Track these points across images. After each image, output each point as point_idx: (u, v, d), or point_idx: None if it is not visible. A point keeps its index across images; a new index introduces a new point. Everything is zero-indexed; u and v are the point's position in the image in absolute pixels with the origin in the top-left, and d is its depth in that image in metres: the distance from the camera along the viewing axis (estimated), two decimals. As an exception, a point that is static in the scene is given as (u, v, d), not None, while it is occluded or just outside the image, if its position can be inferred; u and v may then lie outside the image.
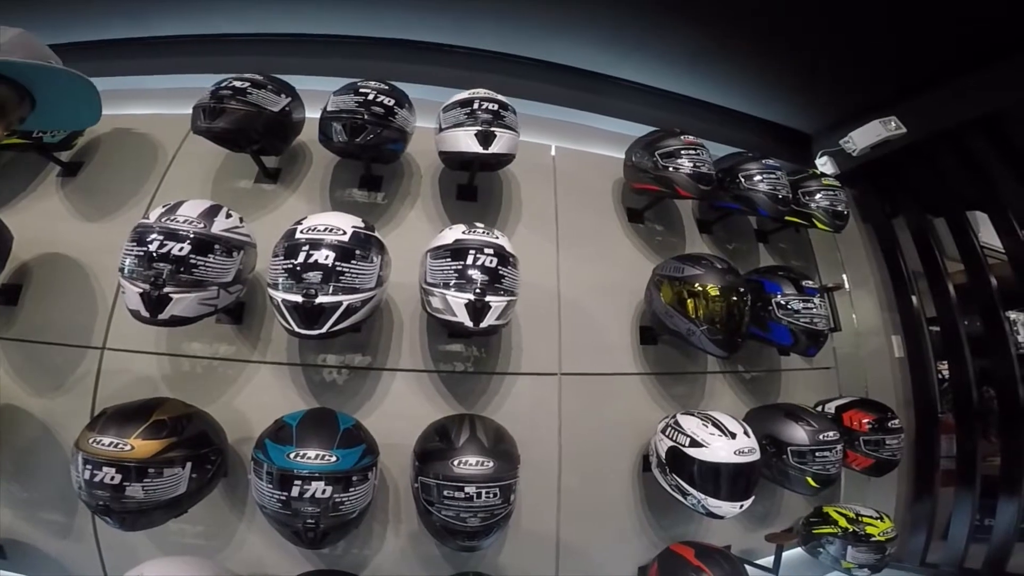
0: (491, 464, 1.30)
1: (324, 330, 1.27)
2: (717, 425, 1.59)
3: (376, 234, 1.44)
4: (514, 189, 2.09)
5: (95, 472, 1.16)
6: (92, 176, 1.95)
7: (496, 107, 1.68)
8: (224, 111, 1.52)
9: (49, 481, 1.64)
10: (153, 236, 1.26)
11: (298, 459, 1.20)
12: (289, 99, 1.70)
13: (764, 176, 2.03)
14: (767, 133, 2.88)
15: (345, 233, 1.32)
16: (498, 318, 1.36)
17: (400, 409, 1.69)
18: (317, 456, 1.21)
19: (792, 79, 2.55)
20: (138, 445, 1.19)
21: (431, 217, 1.95)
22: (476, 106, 1.67)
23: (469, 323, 1.33)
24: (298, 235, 1.31)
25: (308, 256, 1.26)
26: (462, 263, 1.37)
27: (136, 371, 1.70)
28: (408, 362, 1.74)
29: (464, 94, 1.73)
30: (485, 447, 1.34)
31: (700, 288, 1.64)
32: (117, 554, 1.61)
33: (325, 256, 1.27)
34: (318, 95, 1.78)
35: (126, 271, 1.27)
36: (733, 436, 1.56)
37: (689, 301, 1.65)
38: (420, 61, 2.37)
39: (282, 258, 1.29)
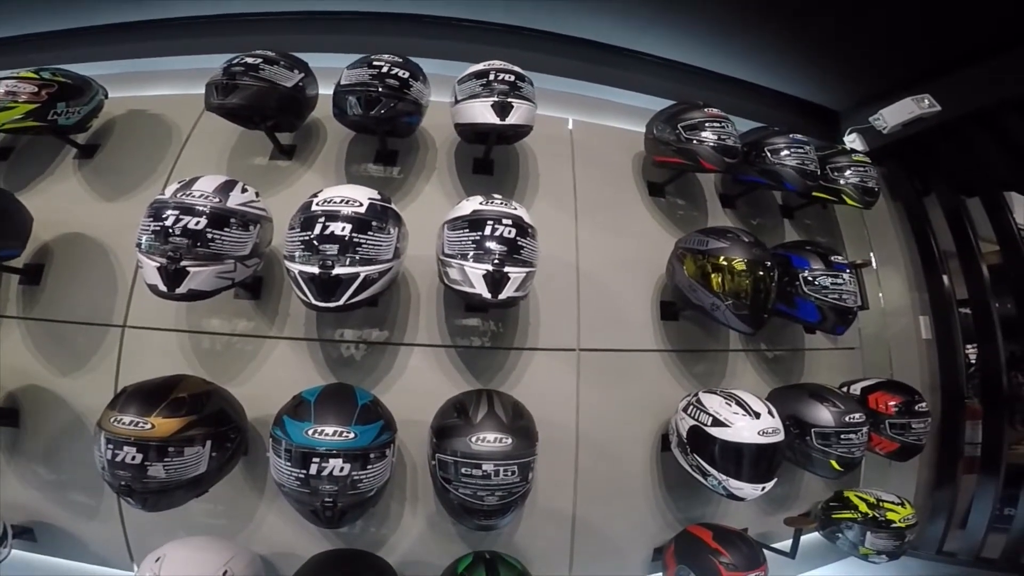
0: (509, 441, 1.28)
1: (341, 302, 1.26)
2: (741, 404, 1.54)
3: (392, 206, 1.41)
4: (531, 163, 2.05)
5: (116, 452, 1.16)
6: (108, 157, 1.95)
7: (512, 78, 1.63)
8: (237, 87, 1.50)
9: (75, 462, 1.66)
10: (169, 211, 1.25)
11: (316, 436, 1.19)
12: (302, 75, 1.67)
13: (792, 150, 1.95)
14: (793, 109, 2.78)
15: (361, 204, 1.30)
16: (516, 290, 1.32)
17: (417, 384, 1.68)
18: (335, 432, 1.20)
19: (820, 54, 2.45)
20: (159, 424, 1.19)
21: (447, 191, 1.91)
22: (492, 77, 1.62)
23: (487, 294, 1.30)
24: (314, 207, 1.29)
25: (324, 228, 1.24)
26: (480, 234, 1.33)
27: (157, 348, 1.71)
28: (425, 337, 1.73)
29: (479, 66, 1.68)
30: (504, 423, 1.32)
31: (726, 262, 1.59)
32: (142, 534, 1.65)
33: (342, 227, 1.24)
34: (331, 72, 1.75)
35: (143, 246, 1.26)
36: (757, 416, 1.51)
37: (714, 275, 1.60)
38: (433, 36, 2.33)
39: (298, 230, 1.27)
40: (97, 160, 1.95)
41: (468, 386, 1.68)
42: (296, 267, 1.26)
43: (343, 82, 1.59)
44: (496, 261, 1.30)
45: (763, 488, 1.49)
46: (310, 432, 1.20)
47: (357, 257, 1.25)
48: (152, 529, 1.59)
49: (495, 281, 1.30)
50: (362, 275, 1.26)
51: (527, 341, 1.78)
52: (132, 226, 1.34)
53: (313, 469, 1.18)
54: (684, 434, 1.61)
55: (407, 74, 1.60)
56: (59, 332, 1.76)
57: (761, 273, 1.59)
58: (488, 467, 1.25)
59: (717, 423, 1.52)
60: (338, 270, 1.23)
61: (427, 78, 1.73)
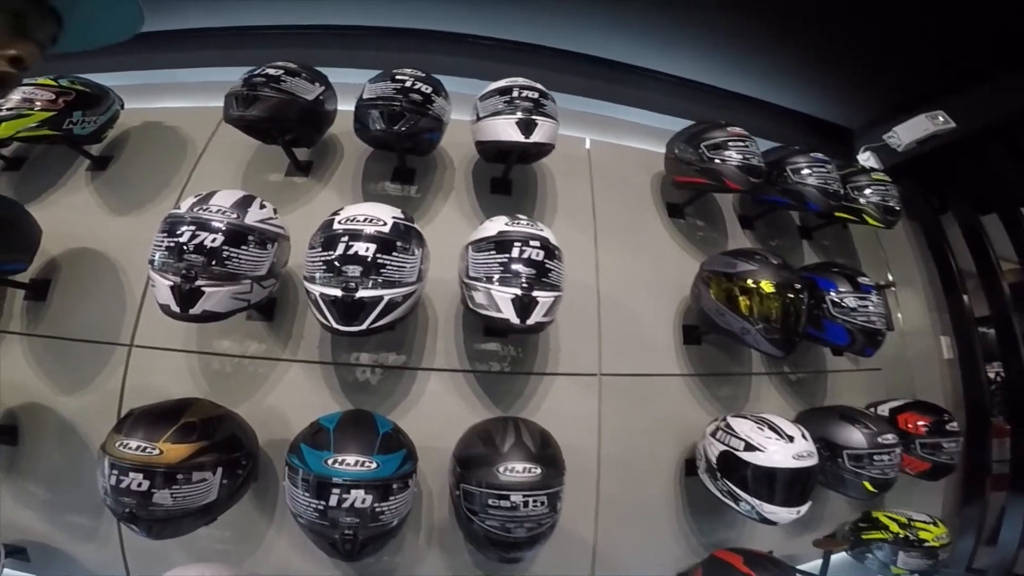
0: (538, 471, 1.22)
1: (364, 327, 1.21)
2: (773, 428, 1.49)
3: (416, 226, 1.37)
4: (549, 183, 2.01)
5: (122, 478, 1.10)
6: (121, 170, 1.91)
7: (536, 95, 1.61)
8: (258, 99, 1.47)
9: (74, 483, 1.59)
10: (185, 227, 1.21)
11: (336, 465, 1.13)
12: (323, 88, 1.64)
13: (814, 169, 1.93)
14: (806, 127, 2.77)
15: (386, 224, 1.26)
16: (545, 315, 1.28)
17: (435, 410, 1.62)
18: (357, 462, 1.14)
19: (833, 72, 2.44)
20: (167, 449, 1.13)
21: (465, 211, 1.88)
22: (515, 94, 1.60)
23: (516, 319, 1.25)
24: (336, 226, 1.24)
25: (348, 248, 1.19)
26: (507, 256, 1.29)
27: (165, 369, 1.65)
28: (443, 361, 1.67)
29: (502, 82, 1.66)
30: (532, 453, 1.26)
31: (754, 284, 1.55)
32: (142, 559, 1.56)
33: (365, 248, 1.20)
34: (348, 88, 1.73)
35: (156, 264, 1.21)
36: (791, 440, 1.46)
37: (742, 298, 1.56)
38: (450, 52, 2.31)
39: (319, 250, 1.23)
40: (110, 172, 1.91)
41: (487, 412, 1.63)
42: (317, 289, 1.21)
43: (365, 96, 1.56)
44: (524, 285, 1.26)
45: (798, 512, 1.44)
46: (330, 462, 1.14)
47: (380, 280, 1.21)
48: (153, 553, 1.50)
49: (523, 306, 1.25)
50: (386, 299, 1.21)
51: (547, 366, 1.73)
52: (143, 242, 1.30)
53: (333, 500, 1.12)
54: (714, 459, 1.55)
55: (430, 89, 1.57)
56: (63, 349, 1.70)
57: (791, 296, 1.55)
58: (517, 498, 1.18)
59: (750, 448, 1.46)
60: (361, 293, 1.18)
61: (448, 95, 1.70)
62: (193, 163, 1.89)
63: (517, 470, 1.22)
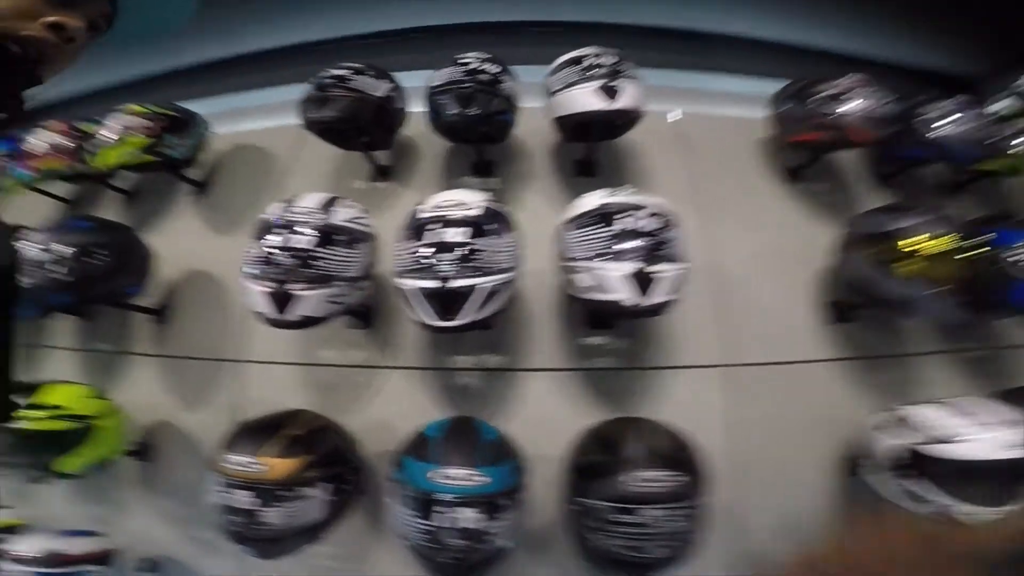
0: (673, 478, 1.04)
1: (464, 320, 1.10)
2: (970, 414, 1.18)
3: (505, 210, 1.26)
4: (637, 161, 1.83)
5: (228, 495, 1.08)
6: (219, 192, 2.01)
7: (613, 59, 1.45)
8: (329, 100, 1.47)
9: (198, 498, 1.62)
10: (273, 231, 1.18)
11: (442, 480, 1.03)
12: (390, 84, 1.63)
13: (956, 117, 1.57)
14: (924, 82, 2.34)
15: (473, 208, 1.15)
16: (669, 291, 1.09)
17: (540, 414, 1.48)
18: (463, 476, 1.03)
19: (948, 20, 2.11)
20: (273, 464, 1.09)
21: (550, 198, 1.74)
22: (590, 61, 1.45)
23: (635, 299, 1.08)
24: (423, 214, 1.16)
25: (437, 236, 1.10)
26: (615, 228, 1.13)
27: (274, 382, 1.68)
28: (546, 360, 1.53)
29: (571, 53, 1.52)
30: (664, 457, 1.08)
31: (920, 242, 1.25)
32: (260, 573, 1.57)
33: (455, 234, 1.10)
34: (419, 91, 1.67)
35: (249, 271, 1.19)
36: (996, 427, 1.14)
37: (906, 260, 1.26)
38: (518, 43, 2.21)
39: (408, 242, 1.15)
40: (210, 195, 2.01)
41: (597, 414, 1.45)
42: (409, 283, 1.12)
43: (434, 83, 1.51)
44: (641, 258, 1.08)
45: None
46: (434, 476, 1.03)
47: (475, 266, 1.10)
48: (270, 569, 1.50)
49: (642, 281, 1.07)
50: (482, 287, 1.10)
51: (661, 359, 1.53)
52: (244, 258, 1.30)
53: (438, 519, 1.01)
54: (891, 455, 1.26)
55: (497, 68, 1.50)
56: (184, 368, 1.79)
57: (969, 251, 1.23)
58: (650, 512, 1.01)
59: (942, 439, 1.16)
60: (457, 282, 1.08)
61: (515, 76, 1.61)
62: (282, 179, 1.94)
63: (649, 479, 1.04)
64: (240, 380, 1.71)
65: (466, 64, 1.48)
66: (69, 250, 1.47)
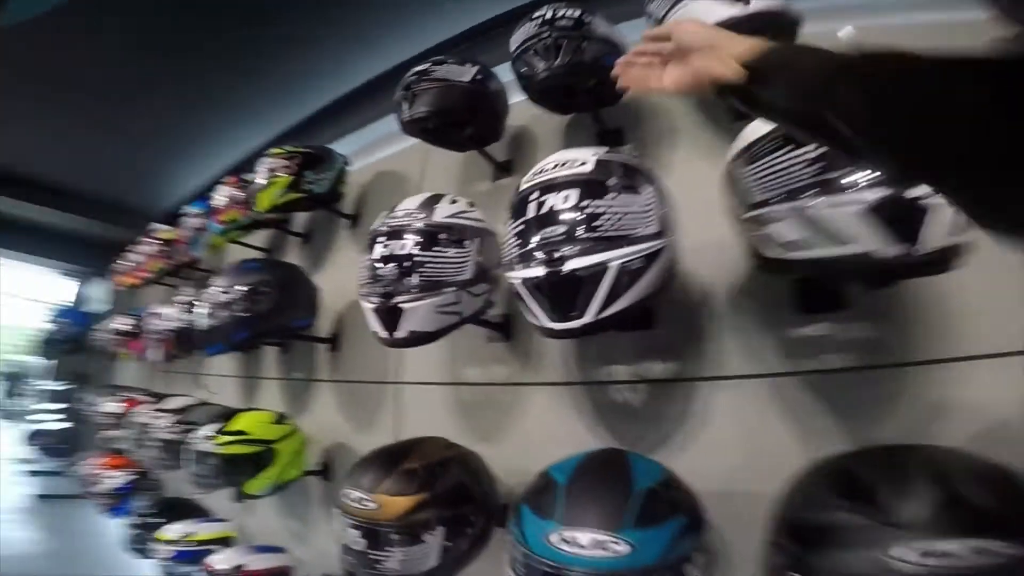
0: (981, 547, 0.54)
1: (590, 318, 0.79)
2: None
3: (637, 161, 0.91)
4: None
5: (345, 532, 0.96)
6: (365, 221, 2.07)
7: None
8: (417, 95, 1.37)
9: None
10: (377, 241, 1.07)
11: (564, 546, 0.72)
12: (476, 68, 1.46)
13: None
14: None
15: (585, 163, 0.84)
16: (950, 231, 0.60)
17: (733, 438, 1.04)
18: (595, 543, 0.70)
19: None
20: (385, 502, 0.94)
21: (705, 150, 1.28)
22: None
23: (891, 248, 0.61)
24: (524, 185, 0.89)
25: (540, 206, 0.81)
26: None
27: (424, 403, 1.61)
28: (737, 363, 1.08)
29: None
30: (959, 510, 0.59)
31: None
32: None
33: (564, 199, 0.80)
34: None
35: (360, 289, 1.09)
36: None
37: None
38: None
39: (511, 223, 0.89)
40: (362, 226, 2.08)
41: (823, 435, 0.95)
42: (518, 275, 0.86)
43: (513, 47, 1.26)
44: (880, 183, 0.61)
45: None
46: (555, 538, 0.73)
47: (599, 237, 0.78)
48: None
49: (900, 216, 0.60)
50: (611, 265, 0.77)
51: (934, 348, 0.95)
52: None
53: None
54: None
55: (577, 11, 1.18)
56: (353, 392, 1.86)
57: None
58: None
59: None
60: (573, 263, 0.78)
61: (601, 16, 1.24)
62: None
63: (933, 552, 0.56)
64: (398, 402, 1.69)
65: (540, 16, 1.20)
66: (241, 291, 1.62)
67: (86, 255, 5.53)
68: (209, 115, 3.01)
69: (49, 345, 4.27)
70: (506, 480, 1.23)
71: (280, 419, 1.71)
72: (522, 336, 1.41)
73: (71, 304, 6.03)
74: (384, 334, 1.05)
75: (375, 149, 2.28)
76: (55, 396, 5.34)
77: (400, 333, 1.03)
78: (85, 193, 4.54)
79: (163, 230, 3.10)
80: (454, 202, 1.13)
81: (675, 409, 1.12)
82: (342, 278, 1.99)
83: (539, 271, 0.79)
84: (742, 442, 1.03)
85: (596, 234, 0.78)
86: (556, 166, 0.85)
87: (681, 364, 1.14)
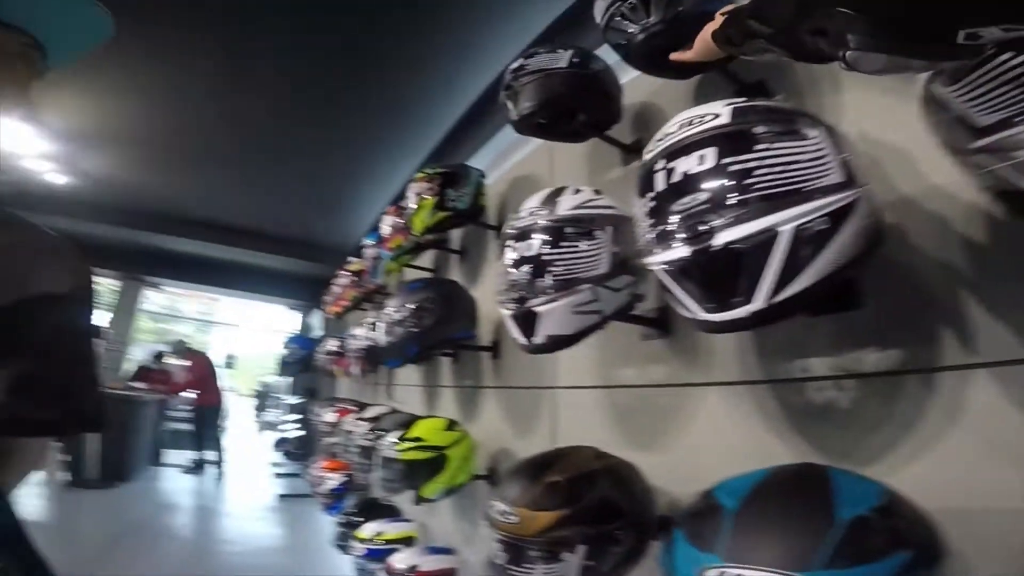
0: None
1: (762, 303, 0.61)
2: None
3: (787, 105, 0.70)
4: None
5: (490, 546, 0.93)
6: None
7: None
8: (518, 92, 1.34)
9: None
10: (507, 244, 1.04)
11: None
12: (570, 51, 1.38)
13: None
14: None
15: (718, 115, 0.67)
16: None
17: (985, 441, 0.73)
18: None
19: None
20: (525, 517, 0.88)
21: (881, 85, 0.93)
22: None
23: None
24: (647, 155, 0.75)
25: (670, 174, 0.67)
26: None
27: (583, 407, 1.53)
28: (994, 344, 0.75)
29: None
30: None
31: None
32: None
33: (700, 159, 0.64)
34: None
35: (498, 297, 1.06)
36: None
37: None
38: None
39: (639, 202, 0.76)
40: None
41: None
42: (657, 260, 0.72)
43: (599, 19, 1.11)
44: None
45: None
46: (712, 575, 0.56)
47: (756, 196, 0.61)
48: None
49: None
50: (786, 230, 0.59)
51: None
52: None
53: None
54: None
55: None
56: (515, 398, 1.88)
57: None
58: None
59: None
60: (727, 235, 0.61)
61: None
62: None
63: None
64: (554, 407, 1.65)
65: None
66: (409, 310, 1.76)
67: (305, 291, 6.85)
68: (370, 158, 3.46)
69: (285, 366, 5.30)
70: (669, 491, 1.09)
71: (451, 426, 1.81)
72: (684, 330, 1.22)
73: (298, 332, 7.50)
74: (523, 340, 1.00)
75: (505, 157, 2.32)
76: (292, 408, 6.65)
77: (538, 338, 0.97)
78: (296, 240, 5.62)
79: (353, 263, 3.62)
80: (577, 192, 1.04)
81: (901, 409, 0.84)
82: (495, 287, 2.04)
83: (682, 251, 0.65)
84: (1004, 446, 0.72)
85: (752, 194, 0.60)
86: (681, 126, 0.69)
87: (906, 351, 0.85)
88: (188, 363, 6.60)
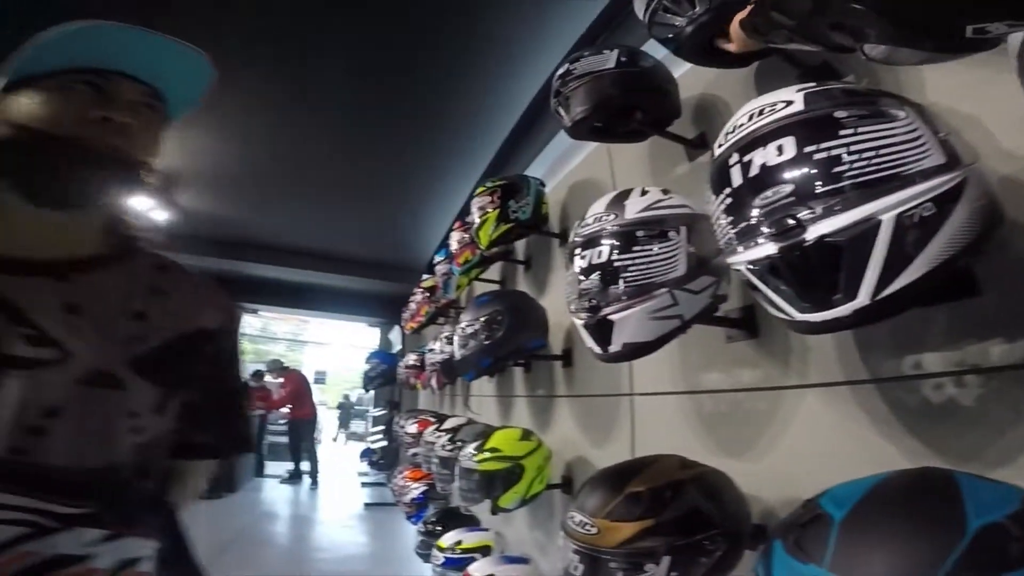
0: None
1: (867, 298, 0.56)
2: None
3: (866, 86, 0.66)
4: None
5: (566, 557, 0.91)
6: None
7: None
8: (569, 98, 1.33)
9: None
10: (575, 253, 1.03)
11: None
12: (616, 51, 1.35)
13: None
14: None
15: (791, 102, 0.63)
16: None
17: None
18: None
19: None
20: (605, 528, 0.86)
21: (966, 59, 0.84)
22: None
23: None
24: (718, 151, 0.72)
25: (746, 168, 0.63)
26: None
27: (663, 414, 1.48)
28: None
29: None
30: None
31: None
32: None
33: (778, 150, 0.60)
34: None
35: (570, 307, 1.06)
36: None
37: None
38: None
39: (714, 200, 0.73)
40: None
41: None
42: (740, 259, 0.68)
43: (642, 15, 1.09)
44: None
45: None
46: None
47: (849, 184, 0.56)
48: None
49: None
50: (888, 218, 0.55)
51: None
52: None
53: None
54: None
55: None
56: (589, 406, 1.86)
57: None
58: None
59: None
60: (820, 227, 0.57)
61: None
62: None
63: None
64: (633, 415, 1.61)
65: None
66: (480, 322, 1.81)
67: (384, 308, 7.21)
68: (432, 177, 3.62)
69: (368, 380, 5.59)
70: (762, 499, 1.03)
71: (526, 435, 1.83)
72: (773, 330, 1.15)
73: (379, 347, 7.88)
74: (598, 350, 0.99)
75: (562, 164, 2.34)
76: (376, 420, 6.98)
77: (614, 347, 0.95)
78: (374, 261, 5.96)
79: (426, 279, 3.77)
80: (645, 193, 1.01)
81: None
82: (563, 296, 2.04)
83: (769, 248, 0.61)
84: None
85: (843, 183, 0.56)
86: (751, 117, 0.66)
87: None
88: (283, 380, 7.15)
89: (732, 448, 1.20)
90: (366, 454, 6.39)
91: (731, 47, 0.90)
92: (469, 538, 2.33)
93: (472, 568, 1.88)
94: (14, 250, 0.65)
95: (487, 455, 1.68)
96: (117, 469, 0.66)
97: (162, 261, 0.80)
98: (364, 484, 6.60)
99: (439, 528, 2.65)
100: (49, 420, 0.60)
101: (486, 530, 2.46)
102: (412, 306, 4.14)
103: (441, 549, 2.30)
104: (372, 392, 7.14)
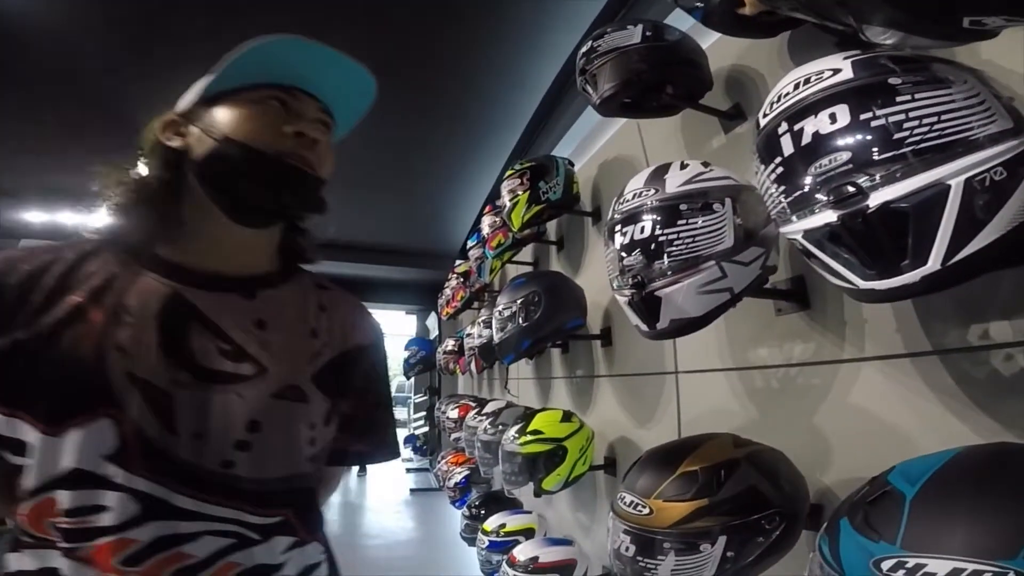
0: None
1: (937, 264, 0.54)
2: None
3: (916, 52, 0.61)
4: None
5: (615, 538, 0.90)
6: (607, 213, 2.05)
7: None
8: (596, 75, 1.30)
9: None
10: (615, 230, 1.01)
11: None
12: (640, 25, 1.32)
13: None
14: None
15: (839, 70, 0.61)
16: None
17: None
18: (958, 573, 0.44)
19: None
20: (658, 508, 0.85)
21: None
22: None
23: None
24: (764, 121, 0.69)
25: (798, 137, 0.61)
26: None
27: (710, 392, 1.46)
28: None
29: None
30: None
31: None
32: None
33: (831, 118, 0.58)
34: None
35: (612, 284, 1.04)
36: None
37: None
38: None
39: (763, 170, 0.70)
40: (603, 219, 2.08)
41: None
42: (796, 228, 0.65)
43: None
44: None
45: None
46: (888, 565, 0.49)
47: (912, 149, 0.54)
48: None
49: None
50: (956, 182, 0.53)
51: None
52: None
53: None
54: None
55: None
56: (631, 385, 1.85)
57: None
58: None
59: None
60: (884, 194, 0.55)
61: None
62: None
63: None
64: (680, 393, 1.59)
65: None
66: (517, 305, 1.81)
67: (419, 296, 7.33)
68: (461, 164, 3.62)
69: (408, 367, 5.71)
70: (819, 479, 1.01)
71: (567, 417, 1.83)
72: (826, 301, 1.11)
73: (416, 334, 8.03)
74: (645, 327, 0.98)
75: (590, 142, 2.30)
76: (417, 406, 7.14)
77: (662, 323, 0.94)
78: (408, 250, 6.05)
79: (460, 265, 3.80)
80: (684, 167, 0.98)
81: None
82: (600, 274, 2.01)
83: (828, 216, 0.59)
84: None
85: (905, 148, 0.54)
86: (797, 86, 0.63)
87: None
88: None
89: (786, 425, 1.17)
90: (410, 440, 6.54)
91: (745, 11, 0.90)
92: (513, 521, 2.37)
93: (516, 551, 1.92)
94: (207, 263, 0.67)
95: (529, 438, 1.69)
96: (303, 477, 0.70)
97: (320, 280, 0.83)
98: (408, 470, 6.77)
99: (483, 512, 2.70)
100: (252, 434, 0.63)
101: (529, 512, 2.50)
102: (447, 292, 4.19)
103: (485, 532, 2.35)
104: (412, 379, 7.30)
